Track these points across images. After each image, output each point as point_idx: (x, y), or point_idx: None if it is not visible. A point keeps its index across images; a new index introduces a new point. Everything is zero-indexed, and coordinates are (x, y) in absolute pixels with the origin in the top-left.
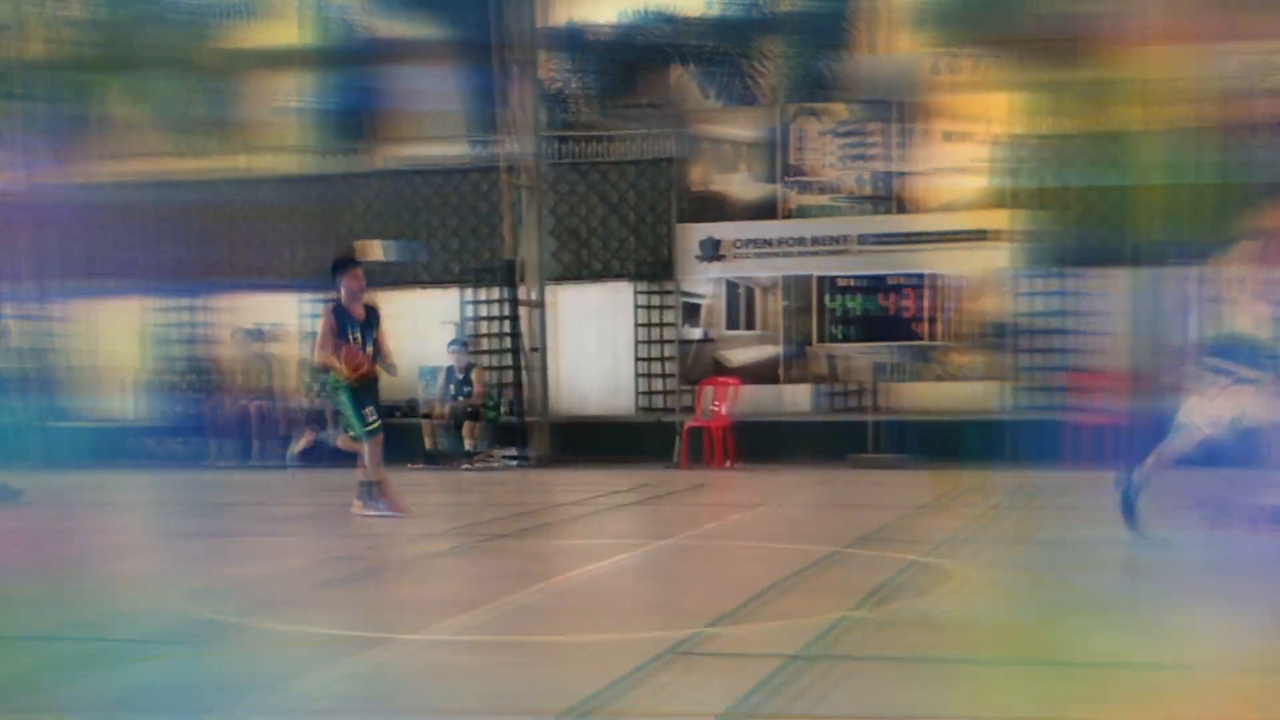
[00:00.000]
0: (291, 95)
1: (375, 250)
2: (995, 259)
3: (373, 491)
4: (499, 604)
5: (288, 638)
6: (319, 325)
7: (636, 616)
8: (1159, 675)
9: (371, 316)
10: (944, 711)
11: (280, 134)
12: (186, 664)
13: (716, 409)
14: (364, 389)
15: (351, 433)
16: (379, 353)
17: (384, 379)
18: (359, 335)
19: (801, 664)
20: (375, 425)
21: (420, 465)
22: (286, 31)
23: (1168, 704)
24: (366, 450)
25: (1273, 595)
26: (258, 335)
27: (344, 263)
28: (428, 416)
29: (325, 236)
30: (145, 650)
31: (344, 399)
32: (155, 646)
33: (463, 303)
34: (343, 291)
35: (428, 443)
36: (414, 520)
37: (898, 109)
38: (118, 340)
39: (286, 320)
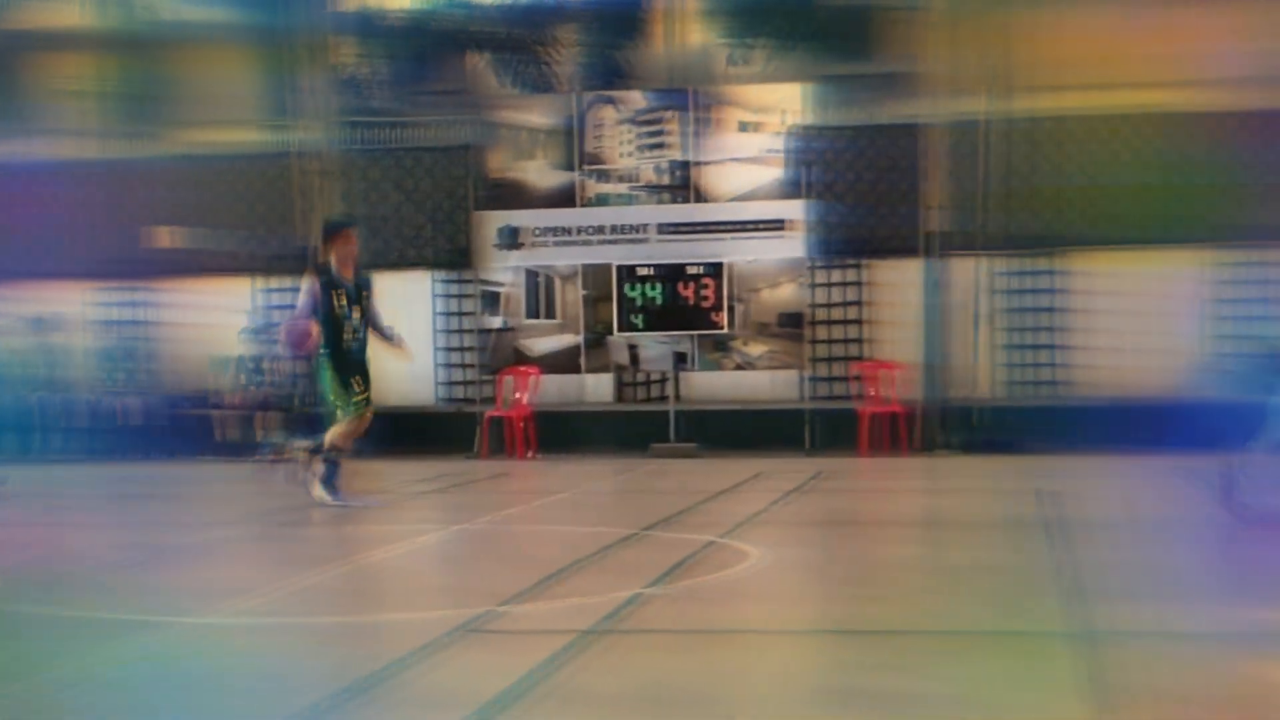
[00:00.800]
0: (77, 79)
1: (168, 237)
2: (790, 248)
3: (332, 478)
4: (285, 586)
5: (61, 622)
6: (302, 291)
7: (427, 597)
8: (943, 640)
9: (363, 284)
10: (730, 678)
11: (65, 118)
12: None
13: (517, 399)
14: (349, 366)
15: (339, 410)
16: (373, 325)
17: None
18: (345, 303)
19: (593, 638)
20: (362, 398)
21: (212, 456)
22: (71, 12)
23: (948, 665)
24: (345, 426)
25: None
26: (41, 325)
27: (336, 226)
28: (219, 407)
29: (112, 224)
30: None
31: (327, 375)
32: None
33: (255, 291)
34: (333, 258)
35: (219, 434)
36: (216, 509)
37: (693, 98)
38: None
39: (71, 310)
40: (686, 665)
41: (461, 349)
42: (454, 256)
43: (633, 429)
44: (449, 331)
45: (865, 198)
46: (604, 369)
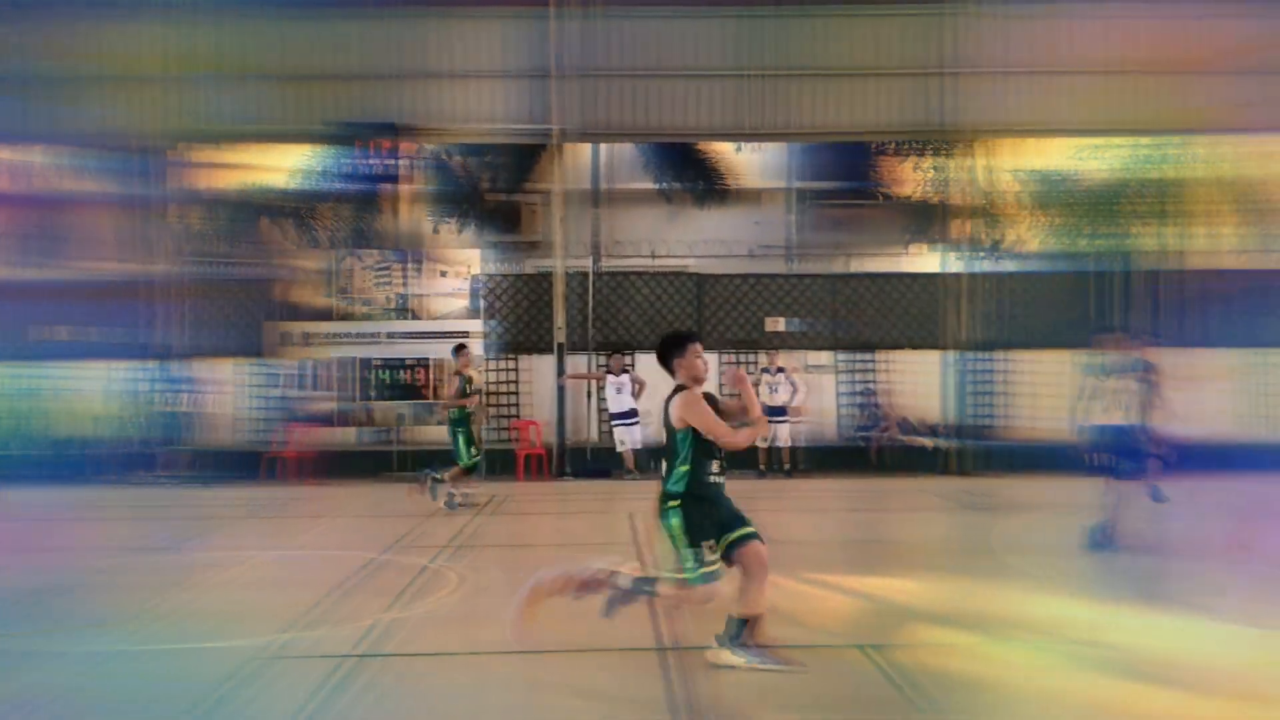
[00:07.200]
0: None
1: None
2: (472, 348)
3: None
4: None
5: None
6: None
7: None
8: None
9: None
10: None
11: None
12: None
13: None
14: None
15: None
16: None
17: None
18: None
19: (355, 661)
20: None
21: None
22: None
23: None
24: None
25: None
26: None
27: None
28: None
29: None
30: None
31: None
32: None
33: None
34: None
35: None
36: None
37: (410, 253)
38: None
39: None
40: (426, 685)
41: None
42: (256, 349)
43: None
44: (252, 398)
45: (519, 318)
46: (351, 424)
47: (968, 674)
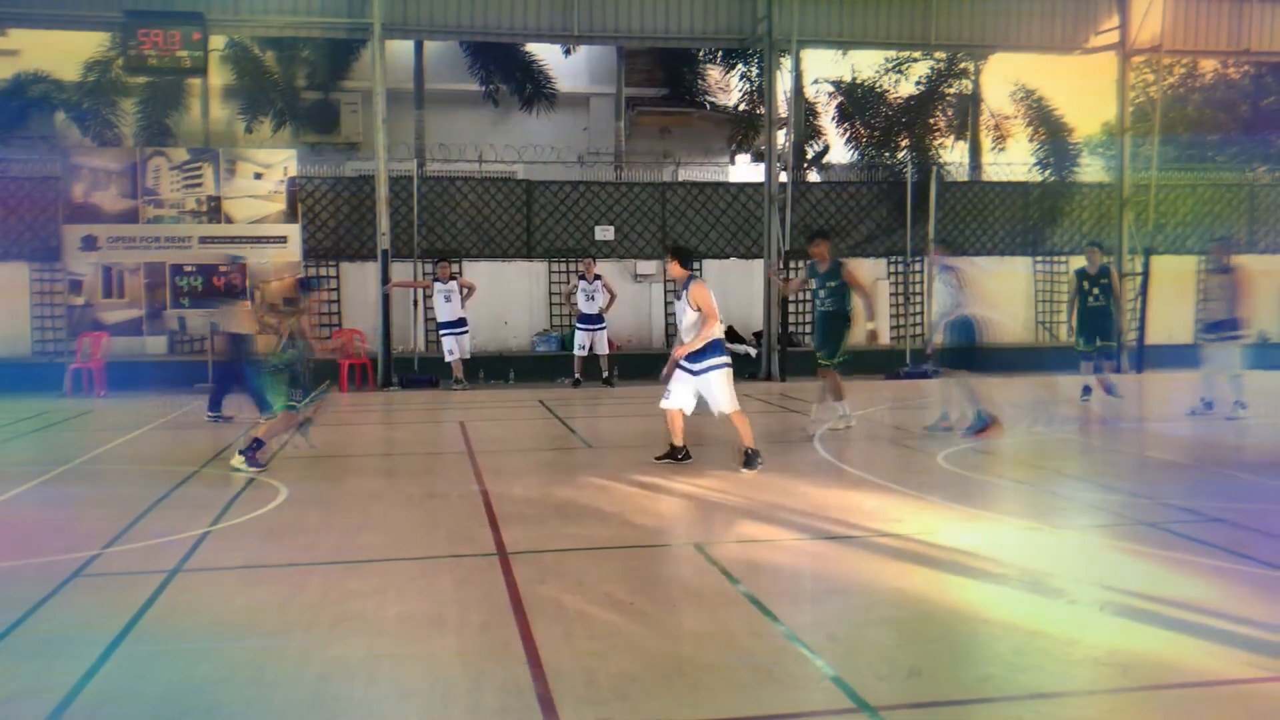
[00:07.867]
0: None
1: None
2: (288, 254)
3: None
4: None
5: None
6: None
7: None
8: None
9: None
10: (282, 609)
11: None
12: None
13: (93, 353)
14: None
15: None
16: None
17: None
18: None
19: (181, 576)
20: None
21: None
22: None
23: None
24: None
25: None
26: None
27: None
28: None
29: None
30: None
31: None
32: None
33: None
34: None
35: None
36: None
37: (221, 154)
38: None
39: None
40: (248, 594)
41: (52, 318)
42: (47, 254)
43: (183, 374)
44: (42, 305)
45: (340, 224)
46: (160, 332)
47: (792, 567)
